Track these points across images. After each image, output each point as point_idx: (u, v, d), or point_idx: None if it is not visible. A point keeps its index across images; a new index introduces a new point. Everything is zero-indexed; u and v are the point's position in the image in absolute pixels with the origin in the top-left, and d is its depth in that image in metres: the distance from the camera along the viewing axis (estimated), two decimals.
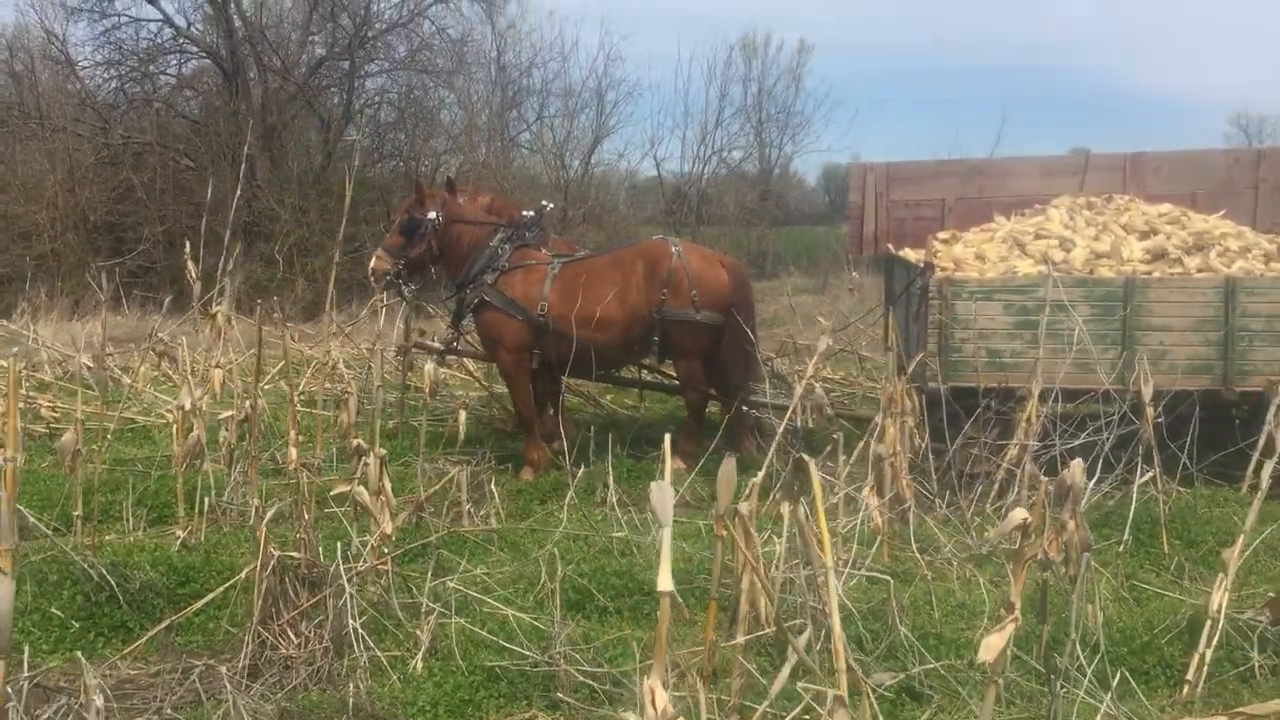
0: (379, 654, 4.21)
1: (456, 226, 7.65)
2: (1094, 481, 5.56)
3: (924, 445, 6.23)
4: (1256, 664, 4.18)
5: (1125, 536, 5.56)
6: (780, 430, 5.05)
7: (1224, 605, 4.18)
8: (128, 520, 5.95)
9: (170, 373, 9.65)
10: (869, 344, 10.79)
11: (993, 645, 2.87)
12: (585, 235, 19.99)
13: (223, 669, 4.03)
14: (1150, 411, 5.97)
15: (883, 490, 5.45)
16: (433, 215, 7.59)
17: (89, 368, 8.87)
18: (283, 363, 8.97)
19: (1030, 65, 62.17)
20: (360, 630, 4.24)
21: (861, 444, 5.53)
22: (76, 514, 5.44)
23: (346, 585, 4.30)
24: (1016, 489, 5.91)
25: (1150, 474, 5.73)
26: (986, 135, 51.17)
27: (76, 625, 4.61)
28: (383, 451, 4.89)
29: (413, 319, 8.73)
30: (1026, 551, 3.06)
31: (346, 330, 11.31)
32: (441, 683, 4.07)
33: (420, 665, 4.19)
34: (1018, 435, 6.10)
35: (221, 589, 4.69)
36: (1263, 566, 5.35)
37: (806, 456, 3.06)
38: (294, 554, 4.36)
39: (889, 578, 4.47)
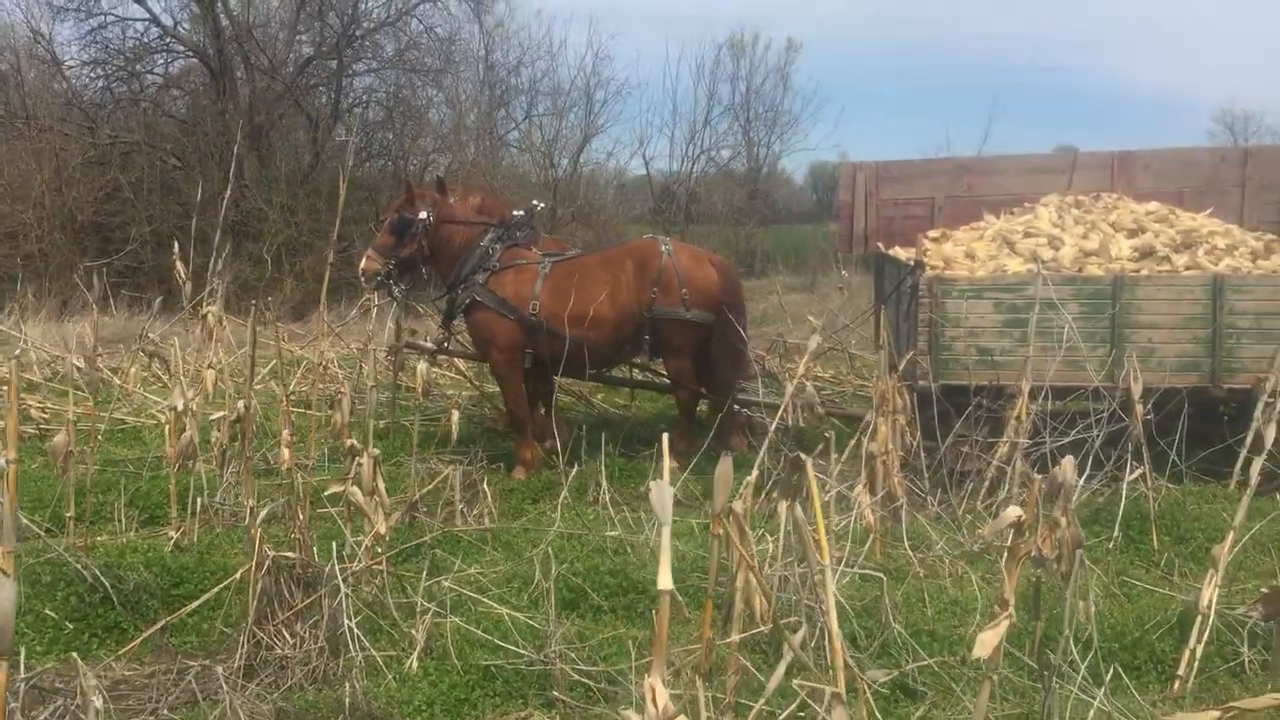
0: (374, 653, 4.22)
1: (447, 226, 7.65)
2: (1084, 478, 5.60)
3: (915, 443, 6.27)
4: (1246, 659, 4.22)
5: (1115, 533, 5.59)
6: (772, 429, 5.07)
7: (1214, 601, 4.23)
8: (120, 521, 5.96)
9: (160, 373, 9.61)
10: (859, 342, 10.83)
11: (987, 641, 2.88)
12: (574, 234, 19.97)
13: (218, 669, 4.03)
14: (1139, 409, 6.01)
15: (875, 488, 5.48)
16: (424, 215, 7.59)
17: (79, 368, 8.82)
18: (274, 363, 8.96)
19: (1016, 63, 62.37)
20: (355, 630, 4.24)
21: (853, 442, 5.56)
22: (69, 515, 5.44)
23: (341, 585, 4.30)
24: (1007, 486, 5.94)
25: (1140, 471, 5.76)
26: (974, 133, 51.37)
27: (70, 626, 4.60)
28: (376, 451, 4.89)
29: (403, 319, 8.72)
30: (1020, 549, 3.07)
31: (337, 330, 11.29)
32: (437, 682, 4.08)
33: (416, 665, 4.20)
34: (1008, 433, 6.14)
35: (216, 589, 4.69)
36: (1252, 562, 5.39)
37: (803, 455, 3.07)
38: (289, 554, 4.36)
39: (882, 575, 4.51)
